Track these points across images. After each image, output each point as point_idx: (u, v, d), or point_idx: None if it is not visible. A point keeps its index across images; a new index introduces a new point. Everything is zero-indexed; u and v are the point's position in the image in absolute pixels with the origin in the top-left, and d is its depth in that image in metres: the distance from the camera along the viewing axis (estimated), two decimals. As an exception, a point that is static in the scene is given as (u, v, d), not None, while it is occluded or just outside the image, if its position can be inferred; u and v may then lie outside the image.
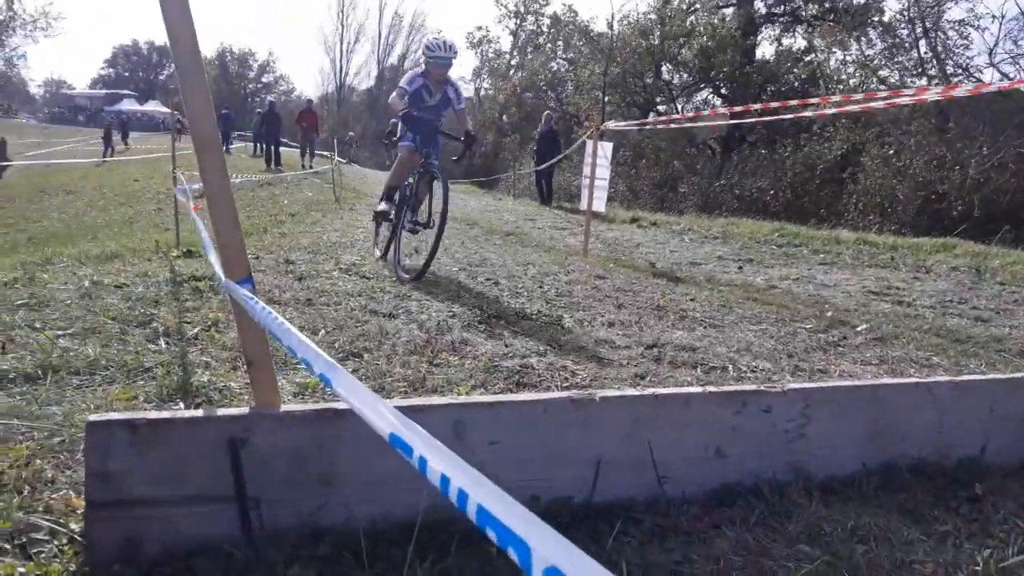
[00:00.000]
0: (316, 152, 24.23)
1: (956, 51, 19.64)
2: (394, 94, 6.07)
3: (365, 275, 5.40)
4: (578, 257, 8.19)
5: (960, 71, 19.06)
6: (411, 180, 6.19)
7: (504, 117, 41.30)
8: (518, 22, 43.11)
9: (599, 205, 10.17)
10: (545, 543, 0.76)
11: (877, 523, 1.99)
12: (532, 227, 11.60)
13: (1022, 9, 19.36)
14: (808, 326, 5.05)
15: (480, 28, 46.44)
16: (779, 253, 10.18)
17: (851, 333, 4.92)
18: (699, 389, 2.05)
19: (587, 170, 9.49)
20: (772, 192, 18.99)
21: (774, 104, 10.09)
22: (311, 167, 21.02)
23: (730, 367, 3.62)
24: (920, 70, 19.47)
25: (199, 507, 1.59)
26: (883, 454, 2.29)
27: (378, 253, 6.51)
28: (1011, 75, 18.28)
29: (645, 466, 1.97)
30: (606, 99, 29.37)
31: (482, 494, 0.86)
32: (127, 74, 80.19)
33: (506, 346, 3.70)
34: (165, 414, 1.64)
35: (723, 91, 27.45)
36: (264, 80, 78.37)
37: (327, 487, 1.68)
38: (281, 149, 22.87)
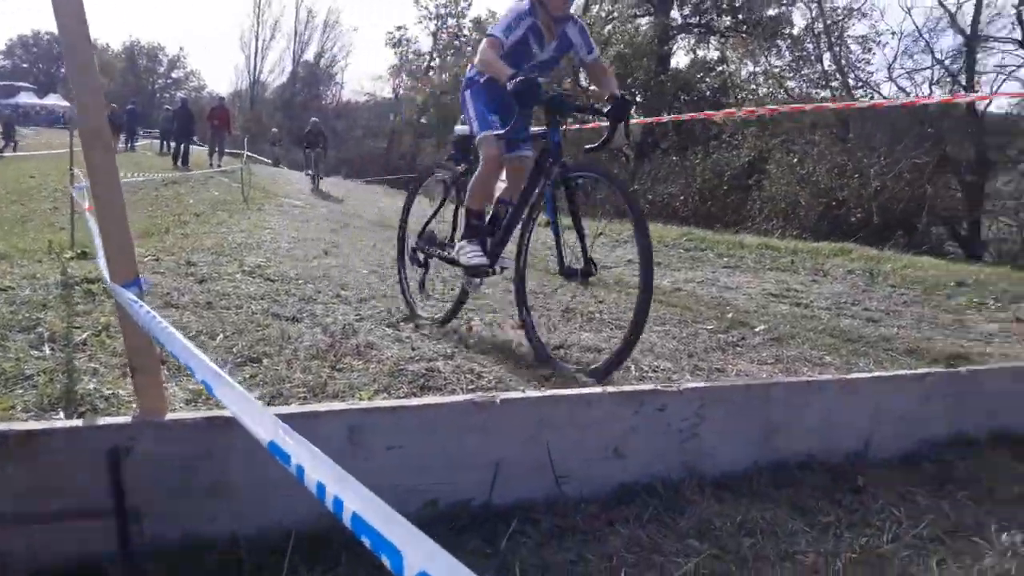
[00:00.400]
0: (226, 151, 23.43)
1: (858, 65, 20.69)
2: (484, 44, 3.79)
3: (270, 277, 5.27)
4: (491, 260, 8.21)
5: (861, 84, 20.10)
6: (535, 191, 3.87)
7: (423, 119, 41.03)
8: (439, 24, 42.92)
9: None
10: (417, 549, 0.76)
11: (765, 517, 2.06)
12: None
13: (918, 27, 20.50)
14: (709, 327, 5.20)
15: (400, 28, 45.74)
16: (686, 257, 10.46)
17: (750, 334, 5.09)
18: (599, 389, 2.09)
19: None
20: (682, 198, 19.53)
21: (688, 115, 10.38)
22: (219, 166, 20.25)
23: (632, 367, 3.69)
24: (824, 82, 20.40)
25: (75, 523, 1.52)
26: (774, 451, 2.38)
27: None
28: (907, 89, 19.40)
29: (544, 468, 1.99)
30: (524, 103, 29.54)
31: (356, 501, 0.85)
32: (25, 66, 75.93)
33: (413, 349, 3.67)
34: (41, 424, 1.56)
35: (638, 99, 28.07)
36: (174, 75, 75.61)
37: (216, 498, 1.63)
38: (192, 148, 22.07)
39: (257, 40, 59.47)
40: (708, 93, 24.05)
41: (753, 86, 20.55)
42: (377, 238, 9.22)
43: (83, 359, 2.92)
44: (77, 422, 1.61)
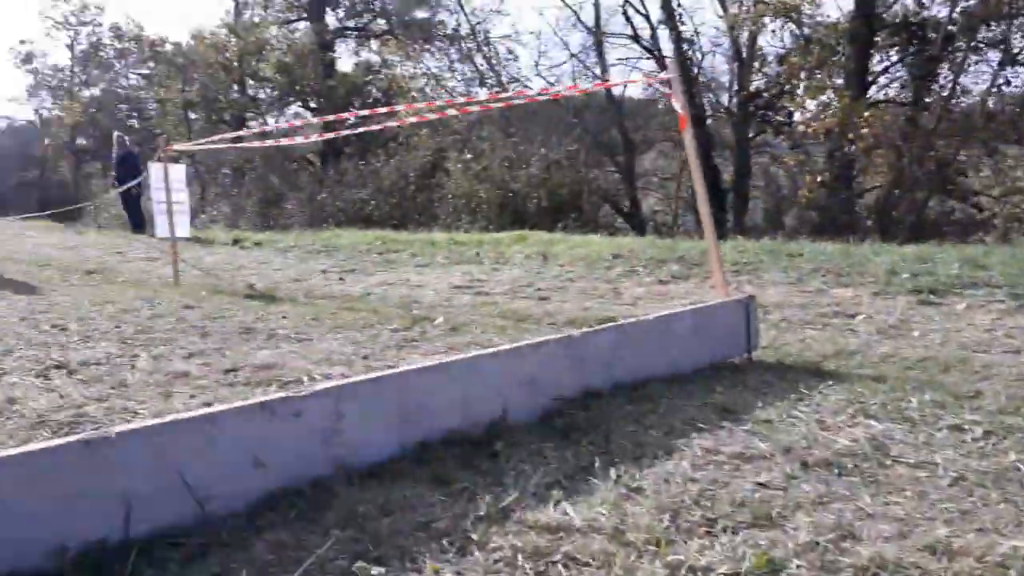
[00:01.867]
0: None
1: (507, 63, 22.48)
2: None
3: None
4: (169, 288, 7.76)
5: (514, 80, 21.86)
6: None
7: (79, 140, 36.98)
8: (73, 35, 38.54)
9: (183, 230, 9.73)
10: None
11: (406, 495, 2.26)
12: (120, 260, 10.68)
13: (553, 28, 22.87)
14: (392, 327, 5.42)
15: (24, 42, 40.00)
16: (380, 260, 10.68)
17: (430, 327, 5.39)
18: (224, 407, 2.13)
19: (159, 195, 9.04)
20: (373, 202, 19.85)
21: (361, 114, 10.61)
22: None
23: (305, 378, 3.76)
24: (480, 80, 21.88)
25: None
26: (418, 433, 2.60)
27: None
28: (553, 83, 21.50)
29: (182, 492, 2.00)
30: (192, 116, 27.96)
31: None
32: None
33: (61, 397, 3.41)
34: None
35: (312, 104, 27.83)
36: None
37: None
38: None
39: None
40: (380, 95, 24.61)
41: (418, 87, 21.46)
42: (36, 279, 8.28)
43: None
44: None
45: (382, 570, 1.85)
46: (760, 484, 2.49)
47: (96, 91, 36.16)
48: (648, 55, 20.51)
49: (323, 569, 1.84)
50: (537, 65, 21.44)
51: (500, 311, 6.42)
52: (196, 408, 3.23)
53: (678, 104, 4.44)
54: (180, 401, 3.37)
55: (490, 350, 3.16)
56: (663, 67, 19.13)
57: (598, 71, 20.71)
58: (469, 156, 18.42)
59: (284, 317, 5.89)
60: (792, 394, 3.54)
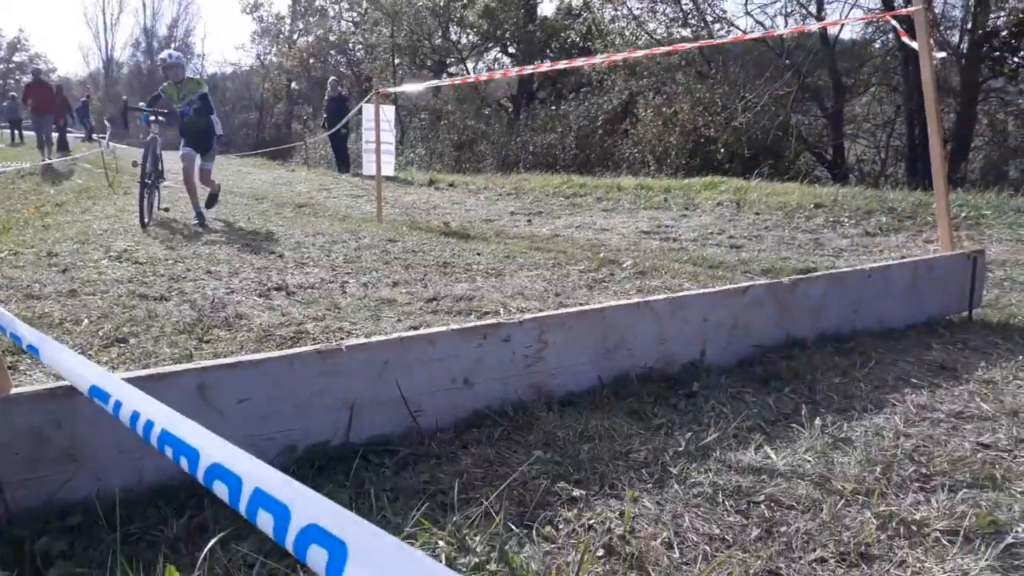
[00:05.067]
0: (67, 134, 20.76)
1: (714, 3, 21.33)
2: None
3: (138, 260, 5.17)
4: (372, 223, 8.23)
5: (718, 20, 20.76)
6: None
7: (293, 85, 39.82)
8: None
9: (388, 169, 10.23)
10: (213, 446, 0.87)
11: (604, 425, 2.28)
12: (327, 197, 11.44)
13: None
14: (580, 268, 5.45)
15: None
16: (567, 204, 10.75)
17: (618, 270, 5.38)
18: (443, 328, 2.24)
19: (369, 135, 9.52)
20: (560, 146, 19.86)
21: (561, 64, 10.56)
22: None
23: (501, 310, 3.88)
24: (683, 21, 20.95)
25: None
26: (616, 368, 2.61)
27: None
28: (763, 22, 20.20)
29: (398, 404, 2.14)
30: (396, 62, 29.14)
31: (163, 419, 0.96)
32: None
33: (283, 315, 3.74)
34: None
35: (510, 50, 28.10)
36: (16, 60, 70.05)
37: (72, 462, 1.70)
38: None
39: (104, 15, 55.96)
40: (577, 39, 24.36)
41: (617, 29, 20.90)
42: (252, 211, 9.07)
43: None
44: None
45: (582, 492, 1.89)
46: (982, 445, 2.30)
47: (311, 38, 38.66)
48: (872, -11, 18.78)
49: (525, 486, 1.91)
50: (746, 3, 20.16)
51: (690, 257, 6.27)
52: (404, 330, 3.45)
53: (921, 42, 4.02)
54: (388, 323, 3.60)
55: (692, 292, 3.09)
56: (888, 2, 17.44)
57: (813, 8, 19.23)
58: (658, 100, 17.89)
59: (478, 254, 6.09)
60: (1020, 355, 3.21)
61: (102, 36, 56.93)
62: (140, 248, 5.77)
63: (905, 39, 4.13)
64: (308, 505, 0.70)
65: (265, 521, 0.73)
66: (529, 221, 8.98)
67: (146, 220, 7.09)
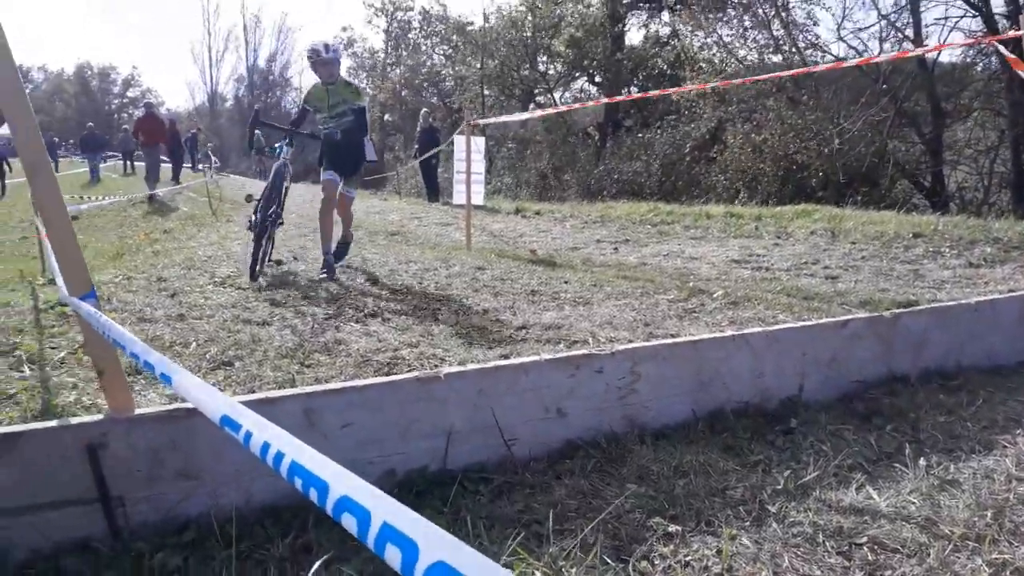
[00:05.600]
0: (181, 166, 22.01)
1: (806, 29, 20.93)
2: None
3: (240, 286, 5.41)
4: (461, 251, 8.37)
5: (810, 46, 20.33)
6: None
7: (387, 116, 41.08)
8: (388, 20, 42.74)
9: (477, 198, 10.40)
10: (340, 480, 0.91)
11: (699, 460, 2.26)
12: (418, 225, 11.71)
13: (860, -13, 20.83)
14: (670, 297, 5.40)
15: (346, 29, 45.64)
16: (653, 232, 10.67)
17: (708, 300, 5.30)
18: (536, 358, 2.27)
19: (460, 165, 9.72)
20: (646, 173, 19.76)
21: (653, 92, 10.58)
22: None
23: (590, 339, 3.89)
24: (775, 47, 20.62)
25: (64, 510, 1.69)
26: (710, 402, 2.58)
27: None
28: (857, 47, 19.65)
29: (493, 432, 2.17)
30: (486, 93, 29.70)
31: (293, 451, 1.01)
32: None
33: (379, 341, 3.84)
34: (20, 427, 1.72)
35: (597, 79, 28.24)
36: (130, 95, 74.88)
37: (189, 481, 1.80)
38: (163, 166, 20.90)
39: (210, 52, 59.29)
40: (665, 67, 24.30)
41: (706, 57, 20.73)
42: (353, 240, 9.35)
43: (62, 375, 3.06)
44: (53, 422, 1.78)
45: (678, 528, 1.87)
46: (1101, 492, 2.16)
47: (402, 70, 39.91)
48: (973, 12, 18.04)
49: (620, 520, 1.90)
50: (839, 28, 19.67)
51: (783, 288, 6.11)
52: (495, 358, 3.49)
53: None
54: (480, 351, 3.65)
55: (789, 324, 3.03)
56: (991, 25, 16.74)
57: (910, 33, 18.60)
58: (748, 127, 17.60)
59: (565, 282, 6.11)
60: None
61: (207, 72, 60.22)
62: (241, 275, 6.03)
63: (1013, 64, 3.96)
64: (436, 543, 0.72)
65: (393, 556, 0.76)
66: (616, 249, 8.95)
67: (257, 270, 5.71)
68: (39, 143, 1.68)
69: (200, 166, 26.25)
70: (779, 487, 2.11)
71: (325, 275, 5.84)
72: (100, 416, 1.77)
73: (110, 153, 32.36)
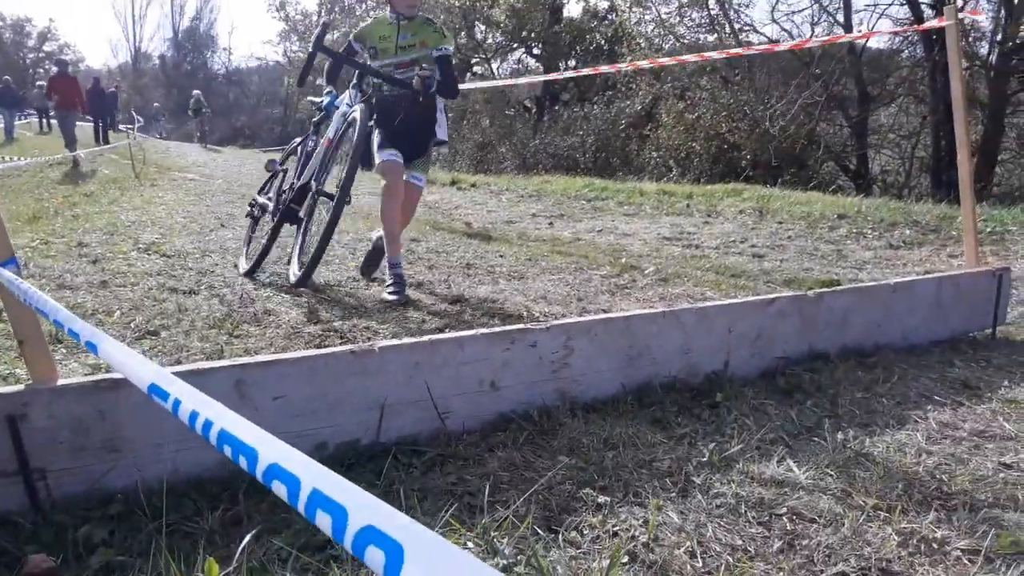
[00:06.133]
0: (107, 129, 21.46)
1: (741, 10, 21.26)
2: None
3: (166, 253, 5.26)
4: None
5: (746, 28, 20.69)
6: None
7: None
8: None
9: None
10: (271, 448, 0.91)
11: (628, 433, 2.31)
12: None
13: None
14: (603, 272, 5.48)
15: None
16: (588, 207, 10.76)
17: (640, 276, 5.39)
18: (472, 332, 2.28)
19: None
20: (582, 149, 19.88)
21: (585, 71, 10.58)
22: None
23: (524, 313, 3.92)
24: (711, 26, 20.90)
25: (-19, 485, 1.63)
26: (640, 376, 2.64)
27: None
28: (790, 30, 20.10)
29: (427, 405, 2.18)
30: (422, 62, 29.23)
31: (223, 420, 1.00)
32: None
33: (310, 312, 3.79)
34: (-66, 399, 1.65)
35: (535, 51, 28.13)
36: (46, 49, 71.15)
37: (114, 452, 1.76)
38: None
39: (133, 7, 56.66)
40: (603, 43, 24.37)
41: (644, 33, 20.89)
42: (278, 207, 9.15)
43: (-25, 344, 2.93)
44: (-29, 395, 1.70)
45: (607, 499, 1.91)
46: (1004, 465, 2.30)
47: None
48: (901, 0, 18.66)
49: (551, 491, 1.94)
50: (773, 11, 20.09)
51: (712, 265, 6.26)
52: (431, 332, 3.49)
53: (951, 56, 4.01)
54: (414, 324, 3.64)
55: (717, 302, 3.11)
56: (917, 14, 17.30)
57: (841, 17, 19.10)
58: (683, 105, 17.86)
59: (501, 256, 6.12)
60: (1046, 376, 3.21)
61: (130, 28, 57.63)
62: (167, 241, 5.85)
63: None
64: (365, 507, 0.73)
65: (323, 521, 0.76)
66: (551, 224, 9.00)
67: (256, 267, 4.59)
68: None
69: (123, 127, 25.23)
70: (704, 459, 2.18)
71: (394, 294, 4.13)
72: (21, 387, 1.71)
73: (28, 111, 30.59)
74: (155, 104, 34.89)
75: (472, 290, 4.60)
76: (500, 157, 23.11)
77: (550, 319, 2.67)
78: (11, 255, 1.70)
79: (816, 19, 20.07)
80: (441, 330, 3.53)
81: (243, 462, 0.90)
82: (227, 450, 0.94)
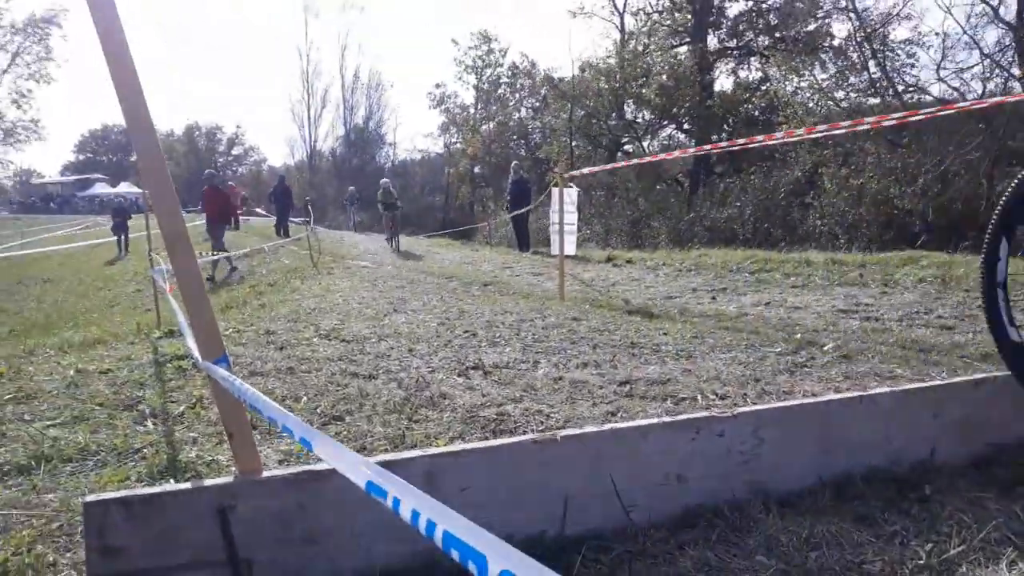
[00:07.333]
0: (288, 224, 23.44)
1: (904, 70, 20.32)
2: None
3: (344, 339, 5.54)
4: (555, 301, 8.36)
5: (911, 89, 19.69)
6: None
7: (476, 169, 42.08)
8: (478, 76, 44.00)
9: (570, 248, 10.43)
10: (498, 553, 0.90)
11: (830, 530, 2.13)
12: (510, 275, 11.79)
13: (962, 26, 20.02)
14: (777, 349, 5.22)
15: (439, 86, 47.86)
16: (751, 280, 10.41)
17: (818, 353, 5.09)
18: (655, 420, 2.20)
19: (554, 216, 9.78)
20: (740, 220, 19.42)
21: (740, 141, 10.43)
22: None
23: (699, 396, 3.77)
24: (873, 90, 20.07)
25: (195, 572, 1.72)
26: (837, 467, 2.44)
27: None
28: (957, 87, 18.92)
29: (611, 497, 2.11)
30: (574, 143, 30.00)
31: (446, 521, 1.01)
32: (98, 158, 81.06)
33: (483, 396, 3.83)
34: (156, 489, 1.77)
35: (686, 126, 28.16)
36: (234, 152, 79.35)
37: (312, 544, 1.81)
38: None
39: (309, 110, 62.04)
40: (756, 113, 24.02)
41: (800, 101, 20.32)
42: (444, 290, 9.48)
43: (182, 430, 3.18)
44: (186, 485, 1.82)
45: (816, 607, 1.75)
46: None
47: (492, 125, 40.91)
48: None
49: (751, 596, 1.80)
50: (939, 69, 18.97)
51: (897, 340, 5.82)
52: (601, 416, 3.43)
53: None
54: (584, 408, 3.59)
55: (917, 385, 2.86)
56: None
57: (1016, 71, 17.80)
58: (846, 171, 17.10)
59: (664, 334, 5.99)
60: None
61: (307, 129, 63.06)
62: (344, 326, 6.17)
63: None
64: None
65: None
66: (713, 298, 8.76)
67: None
68: (179, 218, 1.76)
69: (296, 220, 27.35)
70: (921, 562, 1.96)
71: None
72: (230, 479, 1.81)
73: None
74: (350, 188, 35.50)
75: (639, 370, 4.50)
76: (654, 232, 22.99)
77: (733, 405, 2.54)
78: (223, 352, 1.82)
79: (988, 75, 18.81)
80: (613, 414, 3.46)
81: (472, 568, 0.90)
82: (455, 554, 0.94)
